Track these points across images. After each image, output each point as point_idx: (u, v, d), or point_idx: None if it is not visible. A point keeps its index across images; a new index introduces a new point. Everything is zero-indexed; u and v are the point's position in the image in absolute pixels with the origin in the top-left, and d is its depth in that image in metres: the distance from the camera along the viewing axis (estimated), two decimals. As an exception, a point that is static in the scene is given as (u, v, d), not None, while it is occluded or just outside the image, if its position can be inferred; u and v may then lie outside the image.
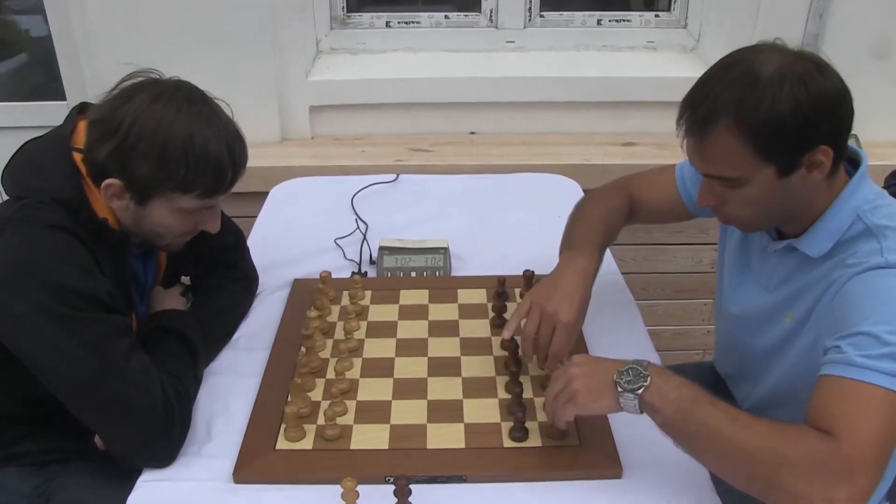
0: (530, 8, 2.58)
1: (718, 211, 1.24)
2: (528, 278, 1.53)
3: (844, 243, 1.18)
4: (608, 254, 1.74)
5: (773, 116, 1.08)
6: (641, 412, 1.09)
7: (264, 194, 2.10)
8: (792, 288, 1.26)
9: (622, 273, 1.73)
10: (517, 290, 1.58)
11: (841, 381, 1.02)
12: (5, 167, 1.28)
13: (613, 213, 1.50)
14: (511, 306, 1.53)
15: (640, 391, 1.07)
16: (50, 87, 2.48)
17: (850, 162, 1.22)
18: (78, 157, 1.24)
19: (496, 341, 1.46)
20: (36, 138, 1.31)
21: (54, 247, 1.17)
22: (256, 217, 1.98)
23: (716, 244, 2.26)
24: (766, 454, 1.00)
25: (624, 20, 2.63)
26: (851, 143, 1.19)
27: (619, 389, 1.09)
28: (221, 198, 1.29)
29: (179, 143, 1.17)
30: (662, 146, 2.42)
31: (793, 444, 1.00)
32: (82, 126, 1.25)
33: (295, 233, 1.88)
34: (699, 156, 1.17)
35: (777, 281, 1.31)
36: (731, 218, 1.25)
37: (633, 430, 1.20)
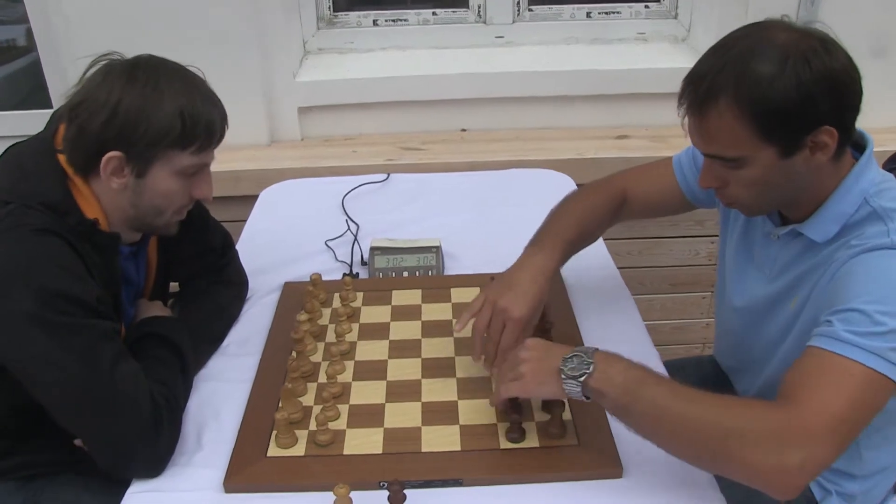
0: (518, 2, 2.56)
1: (721, 193, 1.22)
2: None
3: (850, 227, 1.16)
4: (603, 249, 1.72)
5: (773, 95, 1.05)
6: (588, 398, 1.09)
7: (254, 197, 2.08)
8: (795, 273, 1.24)
9: (618, 268, 1.70)
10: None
11: (822, 352, 1.02)
12: None
13: (596, 210, 1.47)
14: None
15: (582, 378, 1.08)
16: (38, 96, 2.46)
17: (855, 146, 1.19)
18: (62, 158, 1.23)
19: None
20: (20, 142, 1.30)
21: (42, 251, 1.15)
22: (246, 220, 1.95)
23: (712, 236, 2.22)
24: (714, 427, 1.00)
25: (614, 12, 2.61)
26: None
27: (563, 377, 1.09)
28: (212, 155, 1.30)
29: (169, 101, 1.19)
30: (656, 138, 2.41)
31: (741, 415, 1.00)
32: (64, 129, 1.23)
33: (285, 235, 1.86)
34: (700, 134, 1.15)
35: (780, 267, 1.28)
36: (734, 200, 1.22)
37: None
